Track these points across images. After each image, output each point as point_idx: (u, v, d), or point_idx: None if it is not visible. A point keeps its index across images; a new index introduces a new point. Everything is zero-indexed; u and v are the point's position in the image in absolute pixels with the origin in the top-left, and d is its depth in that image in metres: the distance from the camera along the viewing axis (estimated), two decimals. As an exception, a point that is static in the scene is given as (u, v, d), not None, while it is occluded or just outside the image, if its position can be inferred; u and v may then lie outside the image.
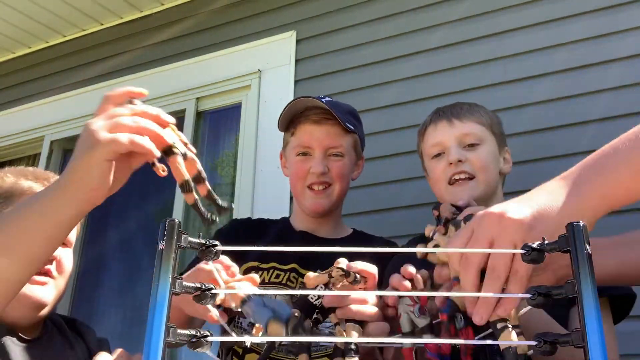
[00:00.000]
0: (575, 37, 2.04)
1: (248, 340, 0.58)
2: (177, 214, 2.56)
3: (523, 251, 0.53)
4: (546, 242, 0.53)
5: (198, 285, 0.52)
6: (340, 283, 0.78)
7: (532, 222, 0.62)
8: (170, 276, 0.47)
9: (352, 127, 1.39)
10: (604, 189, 0.65)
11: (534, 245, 0.53)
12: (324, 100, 1.40)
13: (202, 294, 0.52)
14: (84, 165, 0.73)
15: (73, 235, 1.12)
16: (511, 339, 0.57)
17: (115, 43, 3.16)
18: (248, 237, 1.40)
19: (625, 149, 0.66)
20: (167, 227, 0.49)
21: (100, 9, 3.12)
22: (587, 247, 0.47)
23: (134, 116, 0.73)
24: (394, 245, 1.41)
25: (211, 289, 0.52)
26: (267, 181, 2.34)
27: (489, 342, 0.54)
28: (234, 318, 0.77)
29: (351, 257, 0.82)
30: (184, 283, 0.49)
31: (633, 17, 1.97)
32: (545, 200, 0.64)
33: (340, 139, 1.39)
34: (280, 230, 1.44)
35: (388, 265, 1.10)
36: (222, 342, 0.73)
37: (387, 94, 2.29)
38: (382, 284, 0.92)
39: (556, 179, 0.67)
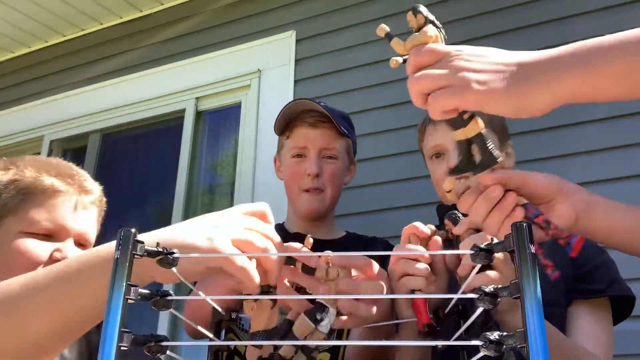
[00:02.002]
0: (576, 37, 2.03)
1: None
2: (177, 214, 2.57)
3: (472, 252, 0.54)
4: (494, 241, 0.53)
5: (154, 291, 0.53)
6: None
7: (483, 94, 0.64)
8: (125, 284, 0.48)
9: (346, 132, 1.42)
10: (575, 87, 0.65)
11: (482, 246, 0.54)
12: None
13: (160, 300, 0.53)
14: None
15: (94, 235, 1.07)
16: (478, 127, 0.67)
17: (115, 43, 3.16)
18: None
19: (612, 56, 0.65)
20: (122, 237, 0.50)
21: (100, 8, 3.12)
22: (531, 247, 0.47)
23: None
24: (387, 243, 1.42)
25: (167, 294, 0.53)
26: (266, 181, 2.34)
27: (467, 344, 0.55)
28: (235, 319, 0.77)
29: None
30: (140, 290, 0.50)
31: (634, 17, 1.96)
32: (516, 77, 0.66)
33: (334, 142, 1.42)
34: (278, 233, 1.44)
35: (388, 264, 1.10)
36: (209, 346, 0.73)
37: (387, 94, 2.29)
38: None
39: (535, 59, 0.69)
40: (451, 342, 0.57)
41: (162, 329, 2.37)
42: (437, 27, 0.73)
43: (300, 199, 1.41)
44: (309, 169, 1.39)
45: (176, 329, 2.42)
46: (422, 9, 0.72)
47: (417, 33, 0.72)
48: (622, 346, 1.19)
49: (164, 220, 2.65)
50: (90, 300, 0.62)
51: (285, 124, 1.45)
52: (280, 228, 1.48)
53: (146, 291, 0.52)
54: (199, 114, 2.80)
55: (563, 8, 2.09)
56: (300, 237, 1.39)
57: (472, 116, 0.70)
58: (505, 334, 0.48)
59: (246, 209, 0.70)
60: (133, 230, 0.51)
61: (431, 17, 0.72)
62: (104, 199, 1.12)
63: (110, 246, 0.65)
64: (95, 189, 1.08)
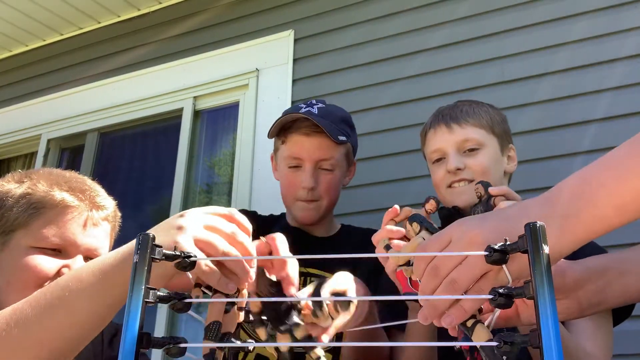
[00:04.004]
0: (576, 37, 2.03)
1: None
2: (175, 213, 2.55)
3: (486, 253, 0.54)
4: (507, 242, 0.53)
5: (172, 294, 0.54)
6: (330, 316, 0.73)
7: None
8: (144, 287, 0.49)
9: (344, 139, 1.37)
10: (588, 225, 0.61)
11: (496, 247, 0.53)
12: (316, 107, 1.39)
13: (178, 302, 0.53)
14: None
15: (105, 251, 1.04)
16: (484, 336, 0.56)
17: (113, 42, 3.15)
18: (259, 230, 1.41)
19: (611, 180, 0.61)
20: (140, 241, 0.51)
21: (97, 7, 3.11)
22: (545, 247, 0.47)
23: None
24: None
25: (185, 297, 0.54)
26: (264, 180, 2.33)
27: (464, 343, 0.54)
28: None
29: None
30: (158, 293, 0.51)
31: (634, 17, 1.96)
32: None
33: (331, 151, 1.38)
34: (281, 226, 1.45)
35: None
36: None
37: (387, 94, 2.29)
38: (382, 273, 0.93)
39: (541, 203, 0.63)
40: (467, 343, 0.56)
41: (160, 330, 2.36)
42: (431, 231, 0.74)
43: (295, 207, 1.40)
44: (304, 182, 1.36)
45: (173, 329, 2.41)
46: (417, 217, 0.76)
47: (407, 243, 0.76)
48: (622, 346, 1.19)
49: (162, 219, 2.63)
50: (77, 328, 0.66)
51: (281, 128, 1.42)
52: (282, 219, 1.49)
53: (164, 294, 0.52)
54: (196, 113, 2.79)
55: (563, 8, 2.08)
56: (298, 232, 1.40)
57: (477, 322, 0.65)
58: (521, 334, 0.47)
59: (211, 210, 0.72)
60: (151, 234, 0.51)
61: (426, 223, 0.75)
62: (119, 214, 1.10)
63: (91, 267, 0.69)
64: (108, 204, 1.07)
